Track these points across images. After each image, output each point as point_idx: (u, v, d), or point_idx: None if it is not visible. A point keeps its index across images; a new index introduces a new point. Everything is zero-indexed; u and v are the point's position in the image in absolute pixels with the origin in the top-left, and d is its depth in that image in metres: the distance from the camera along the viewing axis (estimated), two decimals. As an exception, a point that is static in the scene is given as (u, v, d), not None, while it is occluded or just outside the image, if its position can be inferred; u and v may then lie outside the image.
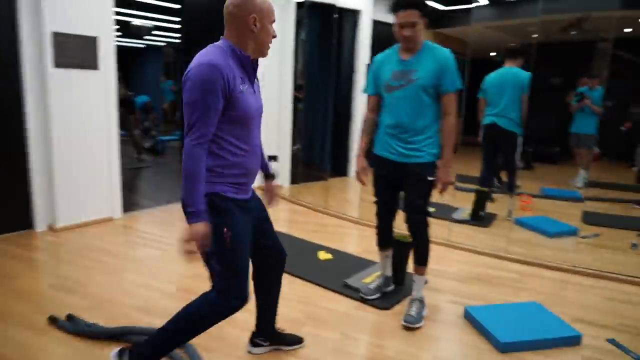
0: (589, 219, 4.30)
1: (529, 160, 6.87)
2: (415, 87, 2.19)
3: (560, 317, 2.35)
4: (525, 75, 3.88)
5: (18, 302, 2.41)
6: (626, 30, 5.82)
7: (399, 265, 2.70)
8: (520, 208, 4.68)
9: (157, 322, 2.17)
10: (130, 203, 4.40)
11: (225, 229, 1.56)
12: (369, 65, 5.60)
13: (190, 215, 1.49)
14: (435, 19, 6.53)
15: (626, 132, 6.41)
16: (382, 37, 5.83)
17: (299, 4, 5.10)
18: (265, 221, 1.85)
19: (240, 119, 1.57)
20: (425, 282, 2.70)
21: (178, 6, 6.82)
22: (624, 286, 2.89)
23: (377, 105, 2.40)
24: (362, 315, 2.42)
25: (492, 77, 4.08)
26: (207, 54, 1.51)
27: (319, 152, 5.96)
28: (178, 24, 7.01)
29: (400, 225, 2.50)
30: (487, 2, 5.62)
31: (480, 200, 4.23)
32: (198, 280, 2.77)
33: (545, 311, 2.41)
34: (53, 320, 2.17)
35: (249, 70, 1.61)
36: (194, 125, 1.47)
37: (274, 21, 1.63)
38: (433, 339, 2.21)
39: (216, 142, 1.55)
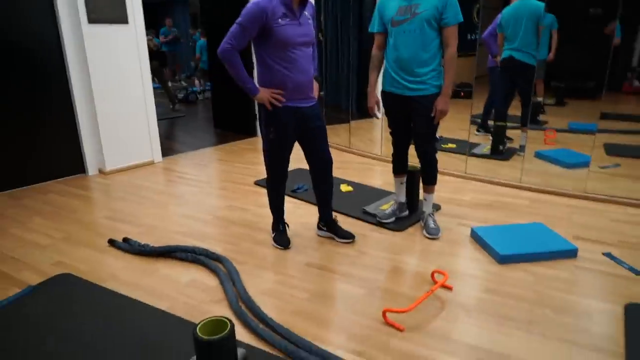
0: (611, 150, 4.35)
1: (560, 96, 6.77)
2: (420, 20, 2.32)
3: (561, 235, 2.54)
4: (540, 5, 3.85)
5: (81, 229, 2.83)
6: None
7: (411, 192, 2.93)
8: (544, 142, 4.75)
9: (198, 243, 2.55)
10: (168, 149, 4.78)
11: (271, 128, 2.26)
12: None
13: (249, 90, 2.20)
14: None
15: None
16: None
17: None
18: (315, 130, 2.36)
19: (280, 44, 2.12)
20: (438, 209, 2.93)
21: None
22: (631, 209, 3.02)
23: (383, 42, 2.55)
24: (377, 236, 2.70)
25: (507, 11, 4.07)
26: None
27: (344, 95, 6.10)
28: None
29: (413, 159, 2.71)
30: None
31: (499, 134, 4.33)
32: (231, 210, 3.12)
33: (547, 230, 2.61)
34: (112, 242, 2.58)
35: (291, 8, 2.13)
36: (230, 34, 2.12)
37: None
38: (439, 254, 2.47)
39: (265, 62, 2.18)
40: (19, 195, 3.49)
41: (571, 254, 2.39)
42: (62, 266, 2.36)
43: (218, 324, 1.34)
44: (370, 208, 3.03)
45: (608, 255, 2.41)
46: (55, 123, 3.78)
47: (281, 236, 2.57)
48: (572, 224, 2.81)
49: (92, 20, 3.69)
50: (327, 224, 2.65)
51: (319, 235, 2.69)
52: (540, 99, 5.88)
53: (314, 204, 2.83)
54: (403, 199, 2.90)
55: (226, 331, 1.30)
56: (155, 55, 6.95)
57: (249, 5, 2.10)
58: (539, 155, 4.23)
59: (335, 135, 5.11)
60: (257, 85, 2.23)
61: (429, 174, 2.68)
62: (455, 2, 2.30)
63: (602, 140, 4.68)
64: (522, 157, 4.15)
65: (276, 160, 2.40)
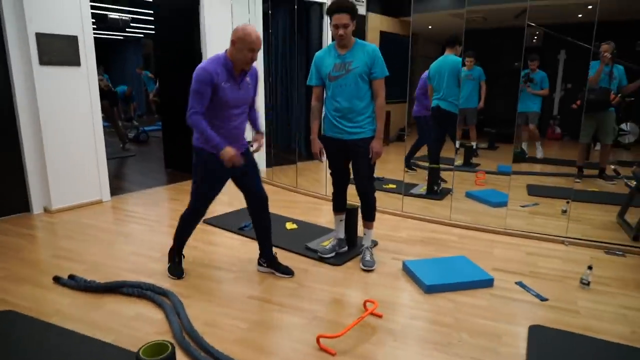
0: (532, 190, 4.85)
1: (492, 141, 7.42)
2: (354, 75, 2.66)
3: (480, 267, 2.85)
4: (458, 60, 4.40)
5: (25, 268, 2.83)
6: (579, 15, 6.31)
7: (350, 228, 3.17)
8: (475, 183, 5.21)
9: (145, 279, 2.63)
10: (117, 188, 4.81)
11: (200, 169, 2.58)
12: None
13: (216, 148, 2.38)
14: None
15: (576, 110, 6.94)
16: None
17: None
18: (249, 169, 2.62)
19: (219, 102, 2.41)
20: (375, 244, 3.18)
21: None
22: (545, 244, 3.40)
23: (321, 94, 2.87)
24: (317, 270, 2.89)
25: (433, 66, 4.60)
26: (205, 62, 2.40)
27: (293, 137, 6.40)
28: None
29: (351, 198, 2.97)
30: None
31: (434, 176, 4.73)
32: (179, 247, 3.21)
33: (469, 262, 2.91)
34: (57, 279, 2.61)
35: (233, 74, 2.42)
36: (190, 103, 2.37)
37: (253, 49, 2.34)
38: (373, 285, 2.69)
39: (208, 117, 2.41)
40: (-43, 234, 3.42)
41: (488, 283, 2.68)
42: (4, 304, 2.37)
43: (160, 347, 1.47)
44: (312, 244, 3.23)
45: (520, 284, 2.72)
46: (1, 161, 3.77)
47: (176, 267, 2.78)
48: (493, 256, 3.13)
49: (44, 62, 3.79)
50: (267, 260, 2.84)
51: (259, 271, 2.85)
52: (473, 143, 6.46)
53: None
54: (342, 235, 3.13)
55: (167, 353, 1.43)
56: (105, 95, 7.01)
57: (197, 70, 2.35)
58: (468, 195, 4.64)
59: (284, 175, 5.34)
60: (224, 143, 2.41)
61: (368, 212, 2.95)
62: (381, 59, 2.67)
63: (527, 181, 5.21)
64: (462, 197, 4.54)
65: (203, 198, 2.67)
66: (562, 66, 7.58)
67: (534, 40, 7.91)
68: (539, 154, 6.35)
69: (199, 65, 2.38)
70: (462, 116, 6.21)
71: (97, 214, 3.98)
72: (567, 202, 3.86)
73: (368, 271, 2.86)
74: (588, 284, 2.67)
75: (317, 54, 2.84)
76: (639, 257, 3.13)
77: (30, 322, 2.17)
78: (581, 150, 5.34)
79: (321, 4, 5.97)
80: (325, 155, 2.93)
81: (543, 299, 2.53)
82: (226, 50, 2.42)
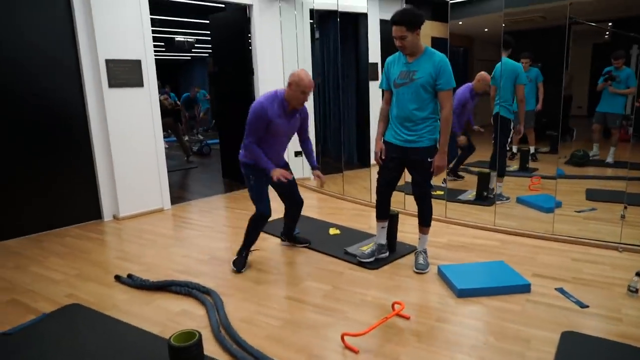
0: (591, 195, 4.60)
1: (554, 144, 7.08)
2: (416, 85, 2.71)
3: (518, 272, 2.79)
4: (513, 64, 4.25)
5: (93, 268, 3.20)
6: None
7: (391, 234, 3.23)
8: (529, 188, 5.02)
9: (192, 279, 2.87)
10: (178, 197, 5.22)
11: (249, 179, 3.02)
12: (375, 65, 6.13)
13: (268, 170, 2.84)
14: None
15: None
16: (389, 34, 6.33)
17: (310, 11, 5.66)
18: (289, 180, 2.97)
19: (271, 133, 2.87)
20: (414, 250, 3.21)
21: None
22: (593, 249, 3.24)
23: (390, 98, 2.93)
24: (354, 273, 2.99)
25: (496, 68, 4.45)
26: (262, 97, 2.85)
27: (344, 146, 6.53)
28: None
29: (394, 205, 3.05)
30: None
31: (483, 182, 4.63)
32: (227, 251, 3.46)
33: (507, 267, 2.86)
34: (117, 278, 2.93)
35: (286, 111, 2.87)
36: (246, 133, 2.84)
37: (305, 92, 2.77)
38: (406, 289, 2.74)
39: (258, 142, 2.87)
40: (40, 238, 3.91)
41: (525, 288, 2.63)
42: (73, 298, 2.71)
43: (189, 335, 1.65)
44: (351, 249, 3.33)
45: (560, 290, 2.64)
46: (77, 175, 4.26)
47: (240, 260, 3.09)
48: (533, 262, 3.05)
49: (112, 85, 4.24)
50: (287, 237, 3.53)
51: (282, 245, 3.57)
52: (531, 147, 6.23)
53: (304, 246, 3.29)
54: (383, 240, 3.18)
55: (194, 340, 1.61)
56: (170, 112, 7.59)
57: (255, 105, 2.80)
58: (519, 201, 4.50)
59: (333, 183, 5.48)
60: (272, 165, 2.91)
61: (423, 216, 3.01)
62: (448, 70, 2.67)
63: (587, 185, 4.95)
64: (503, 203, 4.43)
65: (259, 201, 3.06)
66: (636, 62, 7.09)
67: (606, 36, 7.48)
68: (610, 159, 5.96)
69: (257, 100, 2.84)
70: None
71: (158, 220, 4.36)
72: (625, 207, 3.65)
73: (420, 274, 2.91)
74: (636, 291, 2.53)
75: (388, 59, 2.92)
76: (703, 265, 2.90)
77: (91, 314, 2.47)
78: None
79: (365, 14, 6.10)
80: (385, 156, 2.95)
81: (583, 306, 2.44)
82: (284, 89, 2.84)
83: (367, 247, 3.32)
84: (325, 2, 5.34)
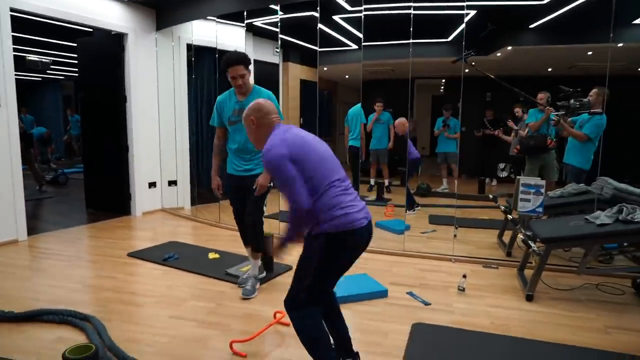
0: (432, 219, 5.49)
1: (404, 178, 8.17)
2: None
3: (378, 282, 3.28)
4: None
5: (-64, 304, 2.82)
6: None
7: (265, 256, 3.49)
8: (384, 215, 5.78)
9: (70, 308, 2.75)
10: (33, 228, 4.76)
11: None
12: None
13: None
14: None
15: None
16: (265, 73, 6.86)
17: (188, 45, 5.83)
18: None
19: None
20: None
21: (73, 44, 7.22)
22: (434, 261, 3.95)
23: (222, 134, 3.18)
24: (236, 291, 3.16)
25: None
26: (270, 144, 1.90)
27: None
28: (75, 59, 7.42)
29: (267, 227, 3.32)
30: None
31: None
32: (100, 279, 3.35)
33: (369, 278, 3.34)
34: (-27, 312, 2.65)
35: None
36: (293, 193, 1.83)
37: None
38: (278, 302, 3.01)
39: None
40: None
41: (383, 294, 3.12)
42: None
43: (85, 348, 1.69)
44: (232, 270, 3.51)
45: (410, 293, 3.18)
46: None
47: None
48: (389, 273, 3.60)
49: (-38, 103, 3.84)
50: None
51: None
52: (385, 180, 7.14)
53: (183, 270, 3.26)
54: (256, 267, 3.37)
55: (91, 351, 1.65)
56: (21, 137, 6.86)
57: (271, 158, 1.85)
58: (377, 225, 5.16)
59: (207, 212, 5.57)
60: None
61: (255, 241, 3.19)
62: (276, 105, 3.02)
63: (429, 212, 5.88)
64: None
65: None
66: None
67: (441, 90, 9.02)
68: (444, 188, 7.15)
69: (268, 151, 1.87)
70: (375, 156, 6.92)
71: (13, 252, 3.96)
72: (456, 228, 4.49)
73: (246, 299, 3.05)
74: (463, 289, 3.20)
75: (218, 97, 3.17)
76: (510, 269, 3.74)
77: (-54, 350, 2.22)
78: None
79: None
80: (222, 191, 3.21)
81: (427, 304, 3.00)
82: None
83: (246, 268, 3.52)
84: (203, 39, 5.57)
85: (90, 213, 5.73)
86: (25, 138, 7.33)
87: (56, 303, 2.88)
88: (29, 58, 9.39)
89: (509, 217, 4.11)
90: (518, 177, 3.69)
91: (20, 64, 9.42)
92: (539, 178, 3.62)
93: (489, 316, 2.82)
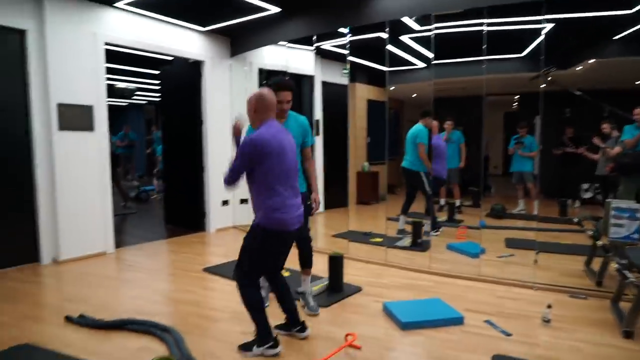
0: (510, 243, 5.19)
1: (476, 198, 7.85)
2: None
3: (453, 307, 3.14)
4: (416, 129, 5.31)
5: (39, 309, 3.11)
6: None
7: (337, 275, 3.48)
8: (456, 237, 5.56)
9: (149, 318, 2.90)
10: (119, 241, 5.12)
11: None
12: (317, 121, 6.71)
13: None
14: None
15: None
16: (333, 95, 7.02)
17: (260, 70, 6.08)
18: None
19: None
20: (360, 290, 3.41)
21: (154, 71, 7.80)
22: (513, 288, 3.70)
23: None
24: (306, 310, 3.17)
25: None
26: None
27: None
28: (157, 85, 8.05)
29: (334, 245, 3.31)
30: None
31: (416, 230, 5.09)
32: (178, 292, 3.50)
33: (443, 303, 3.20)
34: (68, 319, 2.87)
35: None
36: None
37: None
38: (355, 323, 2.97)
39: None
40: (-28, 282, 3.69)
41: (459, 321, 2.97)
42: (19, 339, 2.62)
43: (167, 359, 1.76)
44: (301, 288, 3.52)
45: (488, 322, 3.00)
46: (16, 215, 4.11)
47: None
48: (465, 299, 3.43)
49: (62, 127, 4.26)
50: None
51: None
52: (457, 201, 6.89)
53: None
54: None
55: (174, 363, 1.72)
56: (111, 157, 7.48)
57: (252, 142, 2.33)
58: (450, 248, 4.97)
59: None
60: None
61: (305, 258, 3.25)
62: (310, 129, 3.08)
63: (505, 235, 5.57)
64: (433, 248, 4.86)
65: None
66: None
67: (513, 107, 8.64)
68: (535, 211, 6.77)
69: (257, 135, 2.37)
70: (447, 175, 6.71)
71: (102, 263, 4.28)
72: (537, 253, 4.21)
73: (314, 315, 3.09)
74: (548, 321, 2.96)
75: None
76: (601, 300, 3.43)
77: (44, 354, 2.42)
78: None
79: (310, 76, 6.64)
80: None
81: (508, 334, 2.81)
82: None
83: (317, 287, 3.53)
84: (275, 63, 5.78)
85: (169, 229, 6.06)
86: (112, 158, 7.98)
87: (139, 313, 3.04)
88: (117, 86, 10.29)
89: (598, 243, 3.78)
90: (608, 199, 3.40)
91: (110, 91, 10.39)
92: (634, 201, 3.30)
93: (579, 352, 2.58)
